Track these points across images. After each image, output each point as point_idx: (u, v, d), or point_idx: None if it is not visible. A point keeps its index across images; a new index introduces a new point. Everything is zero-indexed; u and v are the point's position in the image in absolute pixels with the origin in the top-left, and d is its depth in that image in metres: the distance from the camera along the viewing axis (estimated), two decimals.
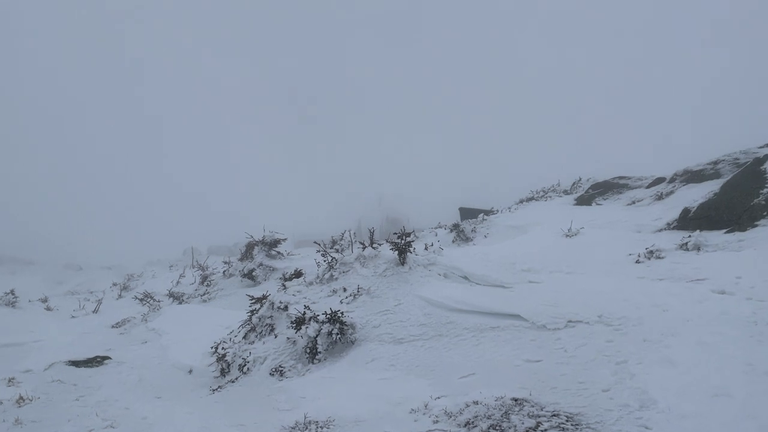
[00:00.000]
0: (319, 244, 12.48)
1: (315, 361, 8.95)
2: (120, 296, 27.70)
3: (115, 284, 33.50)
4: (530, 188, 29.06)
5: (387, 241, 11.08)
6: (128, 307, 20.68)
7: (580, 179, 26.12)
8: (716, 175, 17.08)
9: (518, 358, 7.13)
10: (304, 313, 9.38)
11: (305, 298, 10.62)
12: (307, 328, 9.11)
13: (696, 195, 15.67)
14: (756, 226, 11.62)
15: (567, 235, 14.95)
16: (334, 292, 10.60)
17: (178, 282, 26.13)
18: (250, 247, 20.52)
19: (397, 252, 10.76)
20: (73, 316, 21.16)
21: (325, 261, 11.58)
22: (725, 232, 12.05)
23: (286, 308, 10.35)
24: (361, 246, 11.33)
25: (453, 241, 22.31)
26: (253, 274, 18.90)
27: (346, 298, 10.18)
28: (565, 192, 25.98)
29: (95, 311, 22.07)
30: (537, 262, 12.41)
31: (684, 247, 11.21)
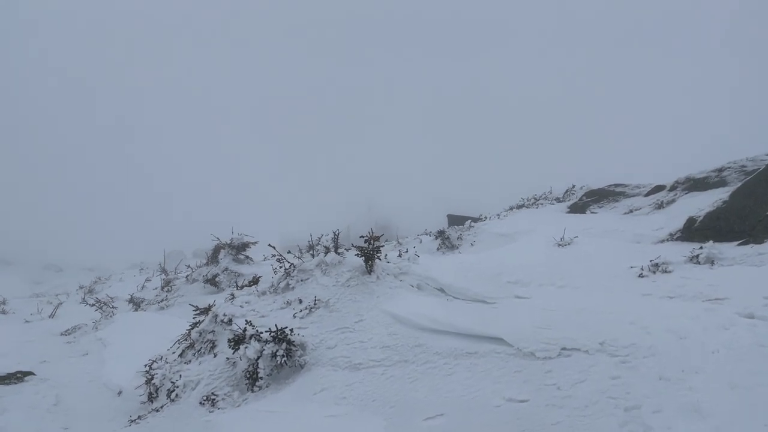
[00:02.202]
0: (293, 250, 10.87)
1: (255, 388, 7.38)
2: (84, 300, 26.02)
3: (81, 287, 31.76)
4: (521, 196, 27.71)
5: (353, 246, 9.54)
6: (88, 313, 19.09)
7: (574, 186, 24.76)
8: (722, 183, 15.73)
9: (499, 396, 5.61)
10: (245, 330, 7.80)
11: (254, 310, 9.04)
12: (246, 348, 7.54)
13: (700, 204, 14.30)
14: None
15: (559, 245, 13.50)
16: (288, 303, 9.04)
17: (143, 286, 24.46)
18: (216, 250, 18.92)
19: (363, 258, 9.23)
20: (27, 321, 19.57)
21: (281, 267, 10.01)
22: (738, 244, 10.64)
23: (230, 322, 8.77)
24: (324, 251, 9.79)
25: (438, 249, 20.93)
26: (217, 279, 17.28)
27: (301, 311, 8.62)
28: (558, 200, 24.61)
29: (51, 316, 20.47)
30: (526, 273, 10.92)
31: (694, 260, 9.76)
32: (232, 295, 10.06)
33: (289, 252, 10.35)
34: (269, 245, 10.46)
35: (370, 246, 9.19)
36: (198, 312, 9.75)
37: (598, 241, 13.66)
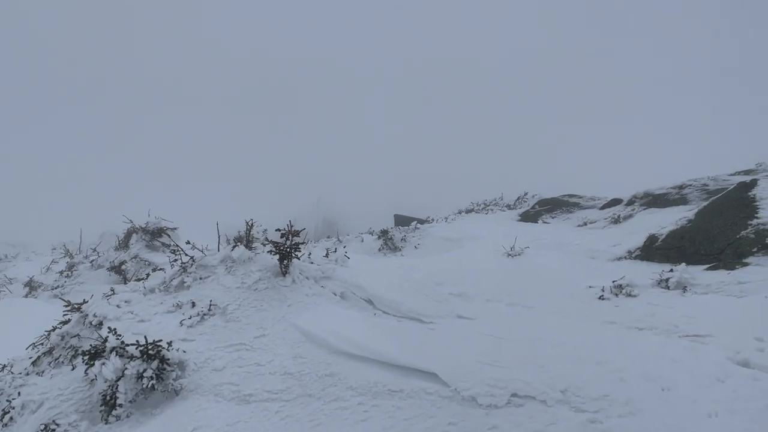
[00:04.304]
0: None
1: (111, 418, 5.56)
2: None
3: None
4: (471, 200, 26.49)
5: (269, 241, 7.79)
6: None
7: (526, 194, 23.69)
8: (682, 200, 14.83)
9: None
10: (106, 340, 5.95)
11: (132, 312, 7.17)
12: (103, 365, 5.70)
13: (660, 221, 13.28)
14: (746, 264, 9.10)
15: (509, 255, 12.15)
16: (179, 306, 7.23)
17: (48, 269, 21.79)
18: (128, 235, 16.70)
19: (278, 257, 7.52)
20: None
21: (177, 260, 8.18)
22: (707, 269, 9.50)
23: (99, 325, 6.90)
24: (231, 244, 8.01)
25: (380, 250, 19.32)
26: (123, 267, 15.12)
27: (190, 318, 6.84)
28: (509, 206, 23.48)
29: None
30: (471, 285, 9.45)
31: (663, 284, 8.52)
32: (112, 290, 8.13)
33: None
34: (190, 241, 8.53)
35: (287, 242, 7.50)
36: (69, 308, 7.78)
37: (551, 254, 12.38)
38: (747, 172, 14.73)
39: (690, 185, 15.31)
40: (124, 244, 16.62)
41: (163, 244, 16.58)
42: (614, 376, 4.93)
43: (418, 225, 20.70)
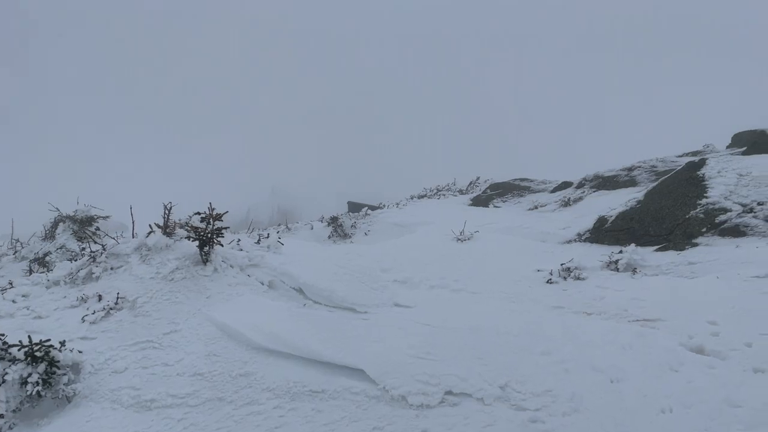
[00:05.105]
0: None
1: None
2: None
3: None
4: (424, 186, 26.04)
5: (188, 226, 6.99)
6: None
7: (478, 179, 23.40)
8: (632, 182, 14.71)
9: None
10: None
11: (28, 308, 6.29)
12: None
13: (610, 203, 13.09)
14: (696, 244, 8.87)
15: (459, 239, 11.70)
16: (84, 300, 6.40)
17: None
18: (55, 224, 15.46)
19: (197, 243, 6.76)
20: None
21: (86, 249, 7.31)
22: (656, 250, 9.24)
23: None
24: (149, 230, 7.19)
25: (329, 237, 18.67)
26: (47, 259, 13.94)
27: (94, 313, 6.02)
28: (461, 191, 23.13)
29: None
30: (417, 270, 8.92)
31: (612, 266, 8.17)
32: (10, 283, 7.22)
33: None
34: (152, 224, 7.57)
35: (208, 227, 6.74)
36: None
37: (500, 238, 12.00)
38: (695, 154, 14.73)
39: (639, 167, 15.22)
40: (51, 233, 15.38)
41: (93, 233, 15.46)
42: (559, 368, 4.44)
43: (369, 211, 20.14)
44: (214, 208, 6.84)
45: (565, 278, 8.03)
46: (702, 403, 3.72)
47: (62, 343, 5.27)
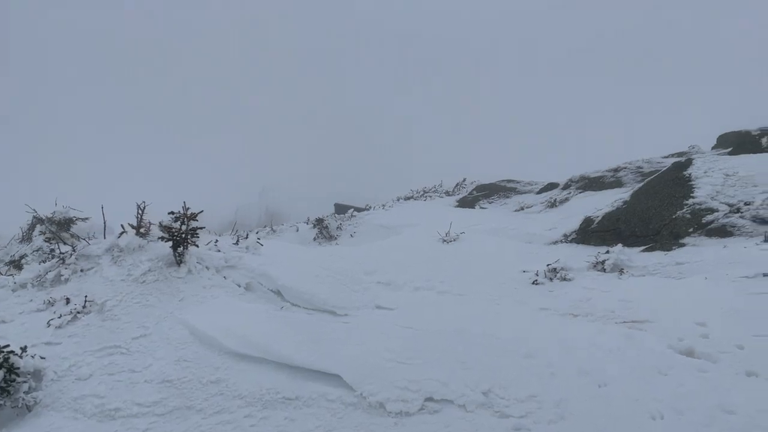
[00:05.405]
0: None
1: None
2: None
3: None
4: (411, 188, 25.88)
5: (160, 225, 6.73)
6: None
7: (465, 180, 23.28)
8: (618, 183, 14.64)
9: None
10: None
11: None
12: None
13: (596, 203, 12.99)
14: (683, 244, 8.75)
15: (444, 241, 11.52)
16: (51, 303, 6.10)
17: None
18: (32, 226, 15.08)
19: (170, 244, 6.50)
20: None
21: (55, 250, 7.03)
22: (643, 250, 9.12)
23: None
24: (121, 231, 6.91)
25: (315, 239, 18.43)
26: (23, 262, 13.56)
27: (61, 317, 5.75)
28: (447, 193, 22.99)
29: None
30: (401, 272, 8.72)
31: (599, 266, 8.03)
32: None
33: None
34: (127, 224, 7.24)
35: (182, 227, 6.49)
36: None
37: (486, 239, 11.84)
38: (680, 155, 14.69)
39: (625, 168, 15.16)
40: (27, 236, 14.99)
41: (73, 236, 15.08)
42: (545, 371, 4.26)
43: (355, 213, 19.93)
44: (188, 208, 6.59)
45: (551, 279, 7.88)
46: (694, 409, 3.55)
47: (23, 349, 4.98)
